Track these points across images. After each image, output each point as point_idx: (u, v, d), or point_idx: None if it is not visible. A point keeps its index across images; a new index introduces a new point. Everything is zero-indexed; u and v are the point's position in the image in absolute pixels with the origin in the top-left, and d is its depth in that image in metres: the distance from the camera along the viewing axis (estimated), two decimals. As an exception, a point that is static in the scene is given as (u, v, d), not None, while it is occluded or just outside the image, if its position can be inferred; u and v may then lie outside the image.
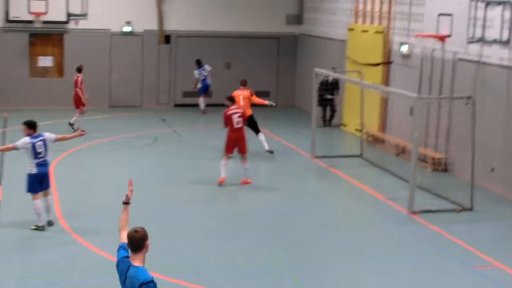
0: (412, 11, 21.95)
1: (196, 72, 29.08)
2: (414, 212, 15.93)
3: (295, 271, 12.64)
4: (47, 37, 29.34)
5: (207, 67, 29.05)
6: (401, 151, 21.95)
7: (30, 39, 29.08)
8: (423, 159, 20.34)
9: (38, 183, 14.16)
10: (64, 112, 27.93)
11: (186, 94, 30.18)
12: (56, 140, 14.45)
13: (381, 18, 23.73)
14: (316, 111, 21.88)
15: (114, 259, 12.72)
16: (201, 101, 29.17)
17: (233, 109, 18.10)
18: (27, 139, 14.00)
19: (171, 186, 18.10)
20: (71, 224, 14.69)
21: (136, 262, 7.49)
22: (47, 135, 14.29)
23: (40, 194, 14.30)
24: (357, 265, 13.07)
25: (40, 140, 14.07)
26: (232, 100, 18.46)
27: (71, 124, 24.27)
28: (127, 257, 7.63)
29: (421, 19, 21.07)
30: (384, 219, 15.82)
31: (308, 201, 17.40)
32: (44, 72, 29.53)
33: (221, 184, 17.93)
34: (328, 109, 26.43)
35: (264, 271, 12.61)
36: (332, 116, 26.43)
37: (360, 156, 21.62)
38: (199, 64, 29.08)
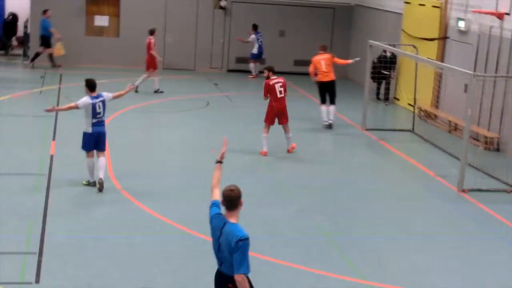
0: (472, -13, 21.65)
1: (253, 36, 29.05)
2: (463, 190, 15.81)
3: (339, 241, 12.66)
4: (104, -4, 29.53)
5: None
6: (453, 128, 21.76)
7: (87, -3, 29.30)
8: (475, 138, 20.15)
9: (93, 142, 14.27)
10: (118, 71, 28.22)
11: (239, 60, 30.21)
12: (113, 98, 14.55)
13: (439, -8, 23.44)
14: (368, 83, 21.73)
15: (163, 218, 12.97)
16: (253, 66, 29.22)
17: (274, 79, 17.67)
18: (88, 99, 14.04)
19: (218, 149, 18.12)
20: (122, 182, 14.86)
21: (232, 219, 7.81)
22: (105, 94, 14.34)
23: (94, 153, 14.41)
24: (401, 239, 13.05)
25: (100, 101, 14.14)
26: (272, 70, 17.89)
27: (156, 91, 24.69)
28: (220, 214, 7.93)
29: (480, -5, 20.77)
30: (432, 195, 15.74)
31: (356, 172, 17.37)
32: (100, 31, 29.75)
33: (264, 155, 17.76)
34: (382, 85, 26.10)
35: (308, 239, 12.65)
36: (387, 92, 26.02)
37: (411, 131, 21.47)
38: (255, 28, 29.05)
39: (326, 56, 21.15)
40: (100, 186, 14.13)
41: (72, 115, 20.10)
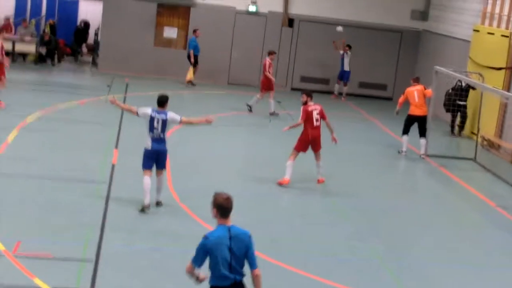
0: (543, 18, 21.41)
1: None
2: (524, 223, 15.63)
3: (394, 265, 12.60)
4: (174, 8, 29.95)
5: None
6: (516, 159, 21.50)
7: (158, 9, 29.72)
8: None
9: (151, 159, 13.76)
10: (184, 83, 28.49)
11: (304, 79, 30.27)
12: (181, 122, 13.78)
13: (509, 22, 23.21)
14: (433, 108, 21.50)
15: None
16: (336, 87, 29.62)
17: (312, 105, 16.62)
18: (148, 111, 13.65)
19: (277, 168, 18.19)
20: (180, 194, 14.99)
21: (229, 223, 8.19)
22: (172, 116, 13.63)
23: (152, 171, 13.86)
24: (457, 269, 12.91)
25: (162, 118, 13.55)
26: (310, 95, 16.80)
27: (248, 105, 24.61)
28: (217, 229, 8.22)
29: (552, 27, 20.53)
30: (491, 226, 15.55)
31: (415, 198, 17.29)
32: (168, 42, 30.13)
33: (284, 185, 16.53)
34: (458, 116, 24.80)
35: (362, 262, 12.63)
36: (463, 124, 24.78)
37: (473, 159, 21.26)
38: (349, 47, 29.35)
39: (419, 87, 20.71)
40: (157, 204, 13.95)
41: (136, 124, 20.40)
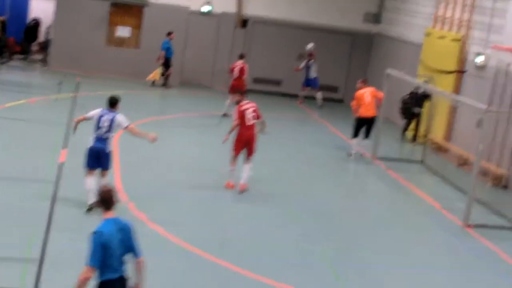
0: (492, 22, 21.68)
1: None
2: (469, 225, 15.78)
3: (338, 267, 12.67)
4: (127, 7, 29.77)
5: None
6: (463, 162, 21.73)
7: (111, 8, 29.52)
8: (484, 173, 20.13)
9: (93, 158, 13.53)
10: (136, 83, 28.36)
11: (257, 80, 30.29)
12: (127, 128, 13.60)
13: (460, 26, 23.48)
14: (383, 111, 21.63)
15: (171, 237, 12.99)
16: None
17: (245, 104, 16.15)
18: (98, 110, 13.61)
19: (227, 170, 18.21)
20: (128, 192, 14.93)
21: (113, 215, 8.25)
22: (119, 118, 13.53)
23: (95, 172, 13.61)
24: (401, 271, 13.04)
25: (109, 118, 13.47)
26: (243, 94, 16.51)
27: (225, 115, 23.91)
28: (107, 221, 8.23)
29: (501, 31, 20.79)
30: (437, 228, 15.72)
31: (363, 200, 17.43)
32: (120, 42, 29.95)
33: (230, 189, 16.30)
34: (413, 123, 24.59)
35: (307, 264, 12.67)
36: (416, 131, 24.52)
37: (421, 162, 21.47)
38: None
39: (369, 89, 20.93)
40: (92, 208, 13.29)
41: (85, 124, 20.26)
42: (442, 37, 24.23)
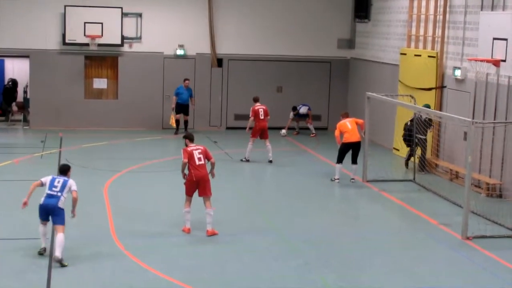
0: (466, 36, 21.86)
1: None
2: (468, 238, 15.77)
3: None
4: (102, 59, 29.80)
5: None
6: (455, 176, 21.77)
7: (85, 61, 29.55)
8: (477, 185, 20.17)
9: (42, 213, 14.04)
10: (118, 133, 28.32)
11: (238, 117, 30.30)
12: (73, 192, 14.07)
13: (434, 42, 23.64)
14: (368, 134, 21.64)
15: (166, 277, 12.89)
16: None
17: (193, 146, 16.12)
18: (50, 176, 14.32)
19: (223, 208, 18.14)
20: (124, 242, 14.83)
21: None
22: (71, 183, 14.13)
23: (47, 224, 14.16)
24: (409, 290, 12.98)
25: (61, 181, 14.12)
26: (189, 137, 16.44)
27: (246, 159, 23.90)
28: None
29: (475, 44, 20.94)
30: (437, 244, 15.68)
31: (360, 224, 17.39)
32: (98, 93, 29.94)
33: (186, 233, 15.92)
34: (417, 150, 22.79)
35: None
36: (424, 159, 22.89)
37: (412, 180, 21.48)
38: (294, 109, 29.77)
39: (350, 119, 21.27)
40: (58, 263, 13.46)
41: (74, 178, 20.17)
42: (417, 55, 24.38)
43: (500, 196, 19.71)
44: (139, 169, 21.61)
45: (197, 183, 15.87)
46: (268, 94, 30.24)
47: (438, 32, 23.34)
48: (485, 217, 17.40)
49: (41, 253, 14.02)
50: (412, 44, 25.13)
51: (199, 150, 16.06)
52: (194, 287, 12.47)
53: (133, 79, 29.60)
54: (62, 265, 13.39)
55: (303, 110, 29.56)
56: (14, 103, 31.86)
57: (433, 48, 23.70)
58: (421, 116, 21.98)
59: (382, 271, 13.89)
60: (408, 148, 23.17)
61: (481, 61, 19.91)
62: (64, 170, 14.52)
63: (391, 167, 23.69)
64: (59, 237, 13.64)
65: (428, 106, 22.01)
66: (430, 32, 23.95)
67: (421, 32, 24.55)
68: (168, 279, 12.90)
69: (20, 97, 31.79)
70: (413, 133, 22.28)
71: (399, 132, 25.57)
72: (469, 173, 16.04)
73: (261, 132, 23.58)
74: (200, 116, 30.32)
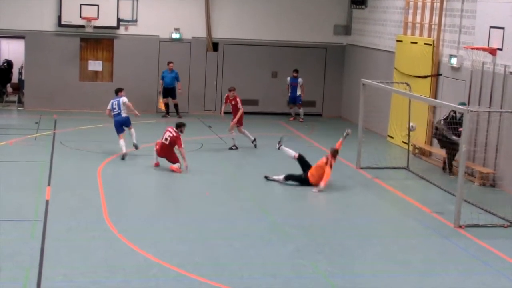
0: (462, 24, 21.83)
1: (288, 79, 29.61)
2: (460, 226, 15.79)
3: (337, 280, 12.58)
4: (97, 41, 29.70)
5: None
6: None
7: (81, 43, 29.46)
8: (470, 173, 20.18)
9: (119, 127, 21.15)
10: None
11: (233, 102, 30.23)
12: (127, 104, 21.40)
13: (430, 30, 23.60)
14: (362, 121, 21.57)
15: (159, 261, 12.90)
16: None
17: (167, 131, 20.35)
18: (110, 102, 21.73)
19: (216, 193, 18.16)
20: (117, 225, 14.81)
21: None
22: (122, 100, 21.41)
23: (124, 133, 21.09)
24: (400, 278, 12.96)
25: (117, 102, 21.36)
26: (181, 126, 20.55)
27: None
28: None
29: (472, 32, 20.92)
30: (429, 232, 15.70)
31: (352, 211, 17.38)
32: (93, 76, 29.85)
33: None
34: (450, 152, 20.70)
35: (306, 280, 12.59)
36: (450, 162, 20.90)
37: (406, 168, 21.49)
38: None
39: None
40: (135, 146, 21.39)
41: (68, 161, 20.14)
42: (414, 43, 24.35)
43: (493, 185, 19.73)
44: (132, 153, 21.57)
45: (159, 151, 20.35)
46: (263, 79, 30.26)
47: (435, 19, 23.30)
48: (478, 206, 17.42)
49: (123, 158, 20.79)
50: (409, 31, 25.09)
51: (170, 134, 20.23)
52: (186, 271, 12.47)
53: (128, 62, 29.52)
54: (136, 148, 21.39)
55: (300, 80, 29.40)
56: (8, 84, 31.76)
57: (429, 36, 23.67)
58: (455, 114, 20.20)
59: (374, 258, 13.91)
60: (444, 150, 20.97)
61: (478, 49, 19.91)
62: (116, 92, 22.04)
63: (385, 154, 23.69)
64: (132, 131, 21.45)
65: (463, 104, 19.44)
66: (426, 20, 23.91)
67: (418, 19, 24.50)
68: (160, 262, 12.90)
69: (15, 78, 31.70)
70: (445, 133, 20.29)
71: (394, 119, 25.60)
72: (463, 161, 16.03)
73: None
74: (195, 100, 30.28)
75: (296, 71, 29.45)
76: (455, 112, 19.91)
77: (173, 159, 20.10)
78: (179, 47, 30.01)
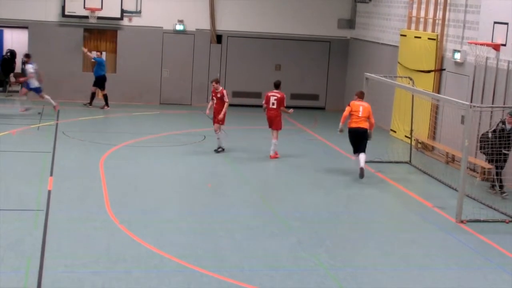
0: (466, 19, 21.80)
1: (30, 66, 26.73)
2: (462, 221, 15.80)
3: (338, 273, 12.59)
4: (101, 32, 29.72)
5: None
6: (451, 160, 21.79)
7: (84, 34, 29.47)
8: (472, 169, 20.17)
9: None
10: (115, 106, 28.30)
11: (236, 94, 30.27)
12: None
13: (434, 24, 23.58)
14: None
15: (161, 252, 12.91)
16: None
17: None
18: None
19: (218, 184, 18.18)
20: (119, 216, 14.83)
21: None
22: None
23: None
24: (401, 272, 12.98)
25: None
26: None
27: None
28: None
29: (476, 27, 20.89)
30: (431, 226, 15.70)
31: (354, 205, 17.39)
32: (96, 67, 29.84)
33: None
34: (499, 166, 18.28)
35: (307, 272, 12.60)
36: (500, 175, 18.52)
37: (408, 162, 21.50)
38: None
39: (366, 104, 19.39)
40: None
41: (70, 151, 20.16)
42: (417, 37, 24.33)
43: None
44: (135, 144, 21.58)
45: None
46: (267, 72, 30.24)
47: (439, 14, 23.28)
48: (479, 201, 17.42)
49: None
50: (413, 26, 25.07)
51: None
52: (187, 263, 12.48)
53: (131, 53, 29.54)
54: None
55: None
56: (12, 74, 31.76)
57: (433, 30, 23.64)
58: (504, 126, 18.13)
59: (375, 252, 13.91)
60: (493, 166, 18.57)
61: (481, 44, 19.85)
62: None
63: (388, 149, 23.68)
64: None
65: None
66: (431, 14, 23.88)
67: (422, 14, 24.48)
68: (161, 253, 12.92)
69: (18, 68, 31.69)
70: (493, 145, 18.07)
71: (396, 114, 25.59)
72: (465, 156, 16.03)
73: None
74: (198, 92, 30.28)
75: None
76: (504, 123, 18.15)
77: (279, 125, 21.08)
78: (182, 39, 30.00)
